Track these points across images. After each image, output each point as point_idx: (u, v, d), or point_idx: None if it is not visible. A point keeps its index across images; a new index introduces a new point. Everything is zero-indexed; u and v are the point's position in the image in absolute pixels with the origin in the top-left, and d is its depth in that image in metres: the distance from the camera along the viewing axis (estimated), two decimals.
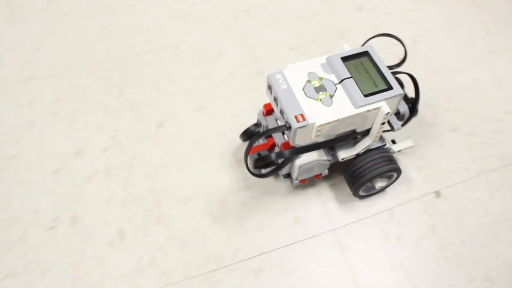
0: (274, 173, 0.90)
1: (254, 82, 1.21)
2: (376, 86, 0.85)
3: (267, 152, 1.01)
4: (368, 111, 0.84)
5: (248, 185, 1.04)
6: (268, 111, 0.97)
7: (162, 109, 1.15)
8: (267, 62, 1.25)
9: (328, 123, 0.82)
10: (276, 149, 0.97)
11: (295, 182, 0.98)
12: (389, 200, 1.04)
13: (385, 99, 0.84)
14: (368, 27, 1.36)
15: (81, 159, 1.08)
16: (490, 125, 1.17)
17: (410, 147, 1.04)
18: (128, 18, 1.34)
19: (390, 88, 0.85)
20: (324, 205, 1.02)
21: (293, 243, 0.99)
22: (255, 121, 1.13)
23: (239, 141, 1.10)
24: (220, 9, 1.38)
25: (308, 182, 1.05)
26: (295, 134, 0.82)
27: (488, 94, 1.23)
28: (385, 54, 1.28)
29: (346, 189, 1.04)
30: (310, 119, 0.81)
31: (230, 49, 1.28)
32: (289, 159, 0.89)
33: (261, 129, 1.04)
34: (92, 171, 1.06)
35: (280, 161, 0.91)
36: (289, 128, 0.83)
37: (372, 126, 0.90)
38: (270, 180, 1.04)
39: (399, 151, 1.03)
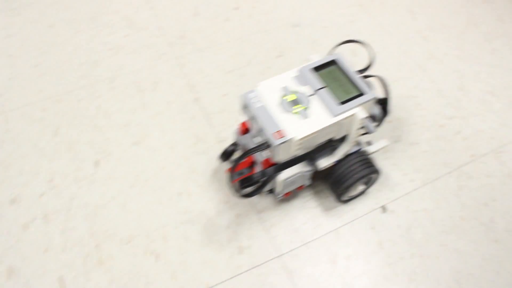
0: (259, 191, 0.91)
1: (191, 110, 1.19)
2: (350, 93, 0.87)
3: (248, 169, 1.00)
4: (345, 118, 0.85)
5: (190, 218, 1.02)
6: (245, 130, 0.97)
7: (99, 146, 1.13)
8: (204, 88, 1.24)
9: (308, 135, 0.82)
10: (257, 167, 0.96)
11: (279, 196, 0.98)
12: (334, 220, 1.03)
13: (359, 105, 0.86)
14: (306, 43, 1.36)
15: (16, 206, 1.05)
16: (432, 133, 1.18)
17: (386, 146, 1.04)
18: (61, 54, 1.32)
19: (363, 93, 0.87)
20: (268, 232, 1.01)
21: (239, 274, 0.97)
22: (198, 150, 1.13)
23: (178, 173, 1.08)
24: (154, 37, 1.36)
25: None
26: (276, 151, 0.83)
27: (429, 101, 1.24)
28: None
29: (290, 214, 1.03)
30: (289, 134, 0.82)
31: (166, 78, 1.26)
32: (273, 176, 0.89)
33: (240, 149, 1.04)
34: (28, 218, 1.03)
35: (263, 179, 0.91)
36: (269, 146, 0.82)
37: (349, 131, 0.90)
38: (212, 210, 1.03)
39: (375, 151, 1.03)
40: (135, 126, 1.17)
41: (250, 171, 1.01)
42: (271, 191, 0.98)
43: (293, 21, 1.42)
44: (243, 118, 0.94)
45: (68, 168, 1.10)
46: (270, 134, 0.81)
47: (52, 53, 1.33)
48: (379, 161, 1.11)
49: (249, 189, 0.96)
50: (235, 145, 1.04)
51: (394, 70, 1.31)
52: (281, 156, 0.84)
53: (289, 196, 1.03)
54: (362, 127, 0.88)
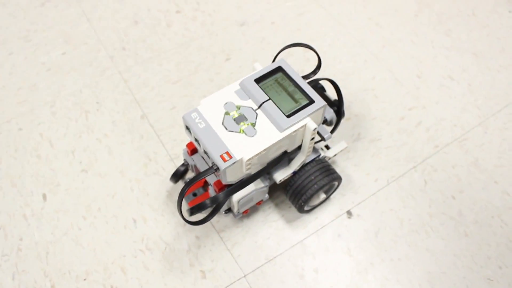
0: (212, 217, 0.89)
1: (139, 128, 1.18)
2: (297, 102, 0.85)
3: (202, 190, 1.01)
4: (294, 131, 0.83)
5: (148, 246, 1.01)
6: (193, 150, 0.95)
7: (45, 178, 1.11)
8: (151, 103, 1.23)
9: (256, 154, 0.81)
10: (210, 188, 0.96)
11: (238, 215, 0.98)
12: (298, 232, 1.03)
13: (309, 115, 0.84)
14: (255, 42, 1.35)
15: None
16: (393, 126, 1.18)
17: (345, 148, 1.04)
18: None
19: (312, 102, 0.85)
20: (231, 251, 1.01)
21: None
22: (150, 171, 1.12)
23: (131, 198, 1.07)
24: (94, 51, 1.34)
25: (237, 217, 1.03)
26: (224, 174, 0.81)
27: (387, 92, 1.24)
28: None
29: (252, 230, 1.03)
30: (236, 155, 0.80)
31: (110, 95, 1.25)
32: (225, 200, 0.87)
33: (190, 169, 1.03)
34: None
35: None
36: (217, 169, 0.81)
37: (302, 142, 0.89)
38: (170, 235, 1.03)
39: (335, 155, 1.03)
40: (81, 152, 1.15)
41: (204, 190, 1.00)
42: (229, 210, 0.97)
43: (239, 19, 1.41)
44: (189, 138, 0.93)
45: (14, 205, 1.08)
46: (216, 157, 0.79)
47: None
48: (340, 163, 1.11)
49: (202, 214, 0.96)
50: (186, 164, 1.03)
51: (349, 62, 1.31)
52: (231, 177, 0.83)
53: (249, 212, 1.02)
54: (315, 137, 0.87)
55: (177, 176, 1.04)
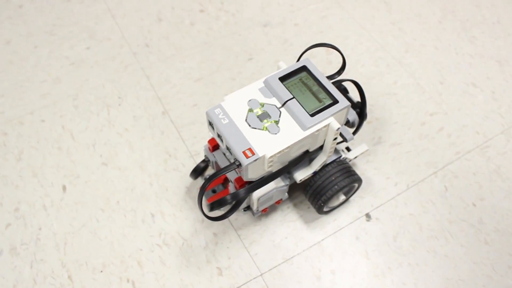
0: (231, 213, 0.89)
1: (160, 124, 1.17)
2: (321, 102, 0.84)
3: (221, 186, 1.00)
4: (318, 130, 0.82)
5: (165, 241, 1.00)
6: (214, 146, 0.94)
7: (65, 169, 1.11)
8: (173, 100, 1.22)
9: (279, 152, 0.80)
10: (230, 185, 0.95)
11: (257, 213, 0.97)
12: (317, 233, 1.02)
13: (332, 115, 0.83)
14: (278, 43, 1.34)
15: None
16: (414, 132, 1.16)
17: (366, 151, 1.02)
18: (20, 72, 1.29)
19: (335, 102, 0.84)
20: (248, 250, 0.99)
21: None
22: (170, 167, 1.11)
23: (150, 193, 1.06)
24: (118, 47, 1.34)
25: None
26: (246, 170, 0.80)
27: (409, 97, 1.23)
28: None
29: (270, 229, 1.02)
30: (259, 152, 0.79)
31: (132, 91, 1.24)
32: (246, 197, 0.87)
33: (210, 165, 1.02)
34: None
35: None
36: (239, 165, 0.80)
37: (324, 142, 0.88)
38: (188, 230, 1.02)
39: (355, 157, 1.02)
40: (102, 145, 1.14)
41: (224, 188, 0.99)
42: (248, 207, 0.96)
43: (262, 20, 1.40)
44: (210, 134, 0.92)
45: (34, 195, 1.07)
46: (239, 153, 0.78)
47: (10, 72, 1.30)
48: (360, 166, 1.10)
49: (221, 211, 0.95)
50: (206, 161, 1.02)
51: (371, 66, 1.29)
52: (252, 175, 0.82)
53: (268, 211, 1.01)
54: (337, 137, 0.86)
55: (197, 172, 1.03)
